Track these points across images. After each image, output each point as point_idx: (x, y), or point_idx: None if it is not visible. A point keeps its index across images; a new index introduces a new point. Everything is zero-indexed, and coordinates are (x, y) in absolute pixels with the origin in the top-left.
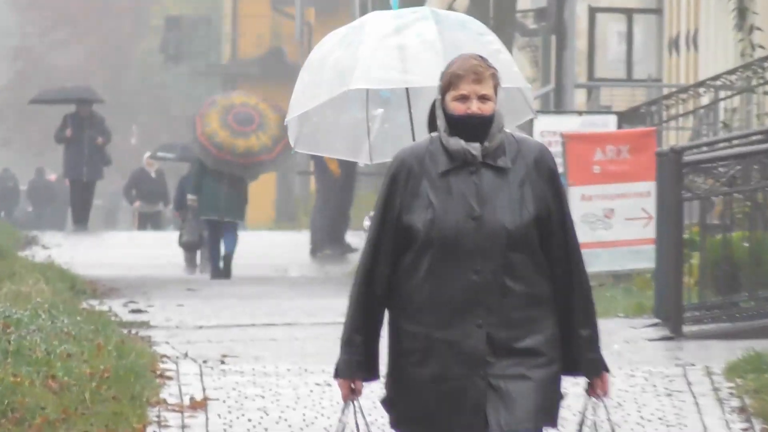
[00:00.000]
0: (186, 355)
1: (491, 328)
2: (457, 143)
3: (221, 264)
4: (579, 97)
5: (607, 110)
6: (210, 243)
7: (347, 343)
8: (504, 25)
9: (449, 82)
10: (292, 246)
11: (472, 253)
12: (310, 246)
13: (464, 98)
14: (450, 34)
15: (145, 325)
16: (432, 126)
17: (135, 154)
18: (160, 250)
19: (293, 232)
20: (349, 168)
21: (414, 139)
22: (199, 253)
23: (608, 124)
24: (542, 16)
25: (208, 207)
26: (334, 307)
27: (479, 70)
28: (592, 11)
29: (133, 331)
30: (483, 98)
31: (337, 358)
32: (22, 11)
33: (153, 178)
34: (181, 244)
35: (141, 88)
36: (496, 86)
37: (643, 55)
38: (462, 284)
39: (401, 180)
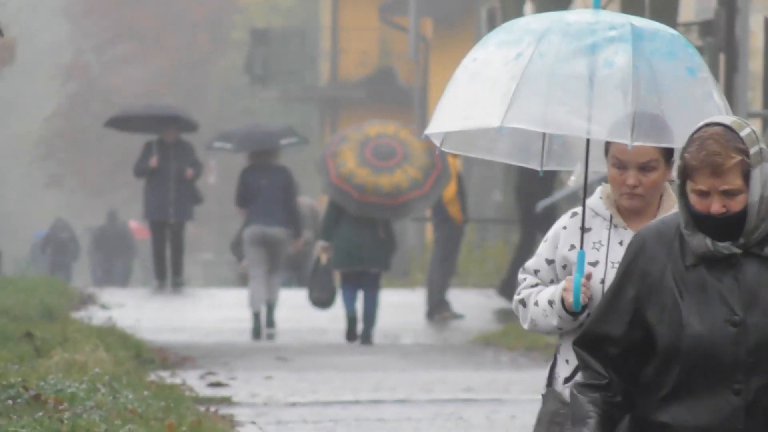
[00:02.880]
0: None
1: None
2: (701, 244)
3: (358, 325)
4: None
5: None
6: (347, 301)
7: None
8: None
9: (684, 171)
10: (404, 308)
11: (731, 368)
12: (426, 307)
13: (703, 194)
14: (651, 65)
15: (227, 401)
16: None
17: (214, 194)
18: (243, 310)
19: (406, 291)
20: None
21: (585, 179)
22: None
23: None
24: (709, 31)
25: (348, 256)
26: (455, 381)
27: (717, 162)
28: None
29: (212, 409)
30: (727, 194)
31: None
32: (75, 21)
33: None
34: (312, 300)
35: (221, 115)
36: (746, 172)
37: None
38: (718, 407)
39: (639, 266)
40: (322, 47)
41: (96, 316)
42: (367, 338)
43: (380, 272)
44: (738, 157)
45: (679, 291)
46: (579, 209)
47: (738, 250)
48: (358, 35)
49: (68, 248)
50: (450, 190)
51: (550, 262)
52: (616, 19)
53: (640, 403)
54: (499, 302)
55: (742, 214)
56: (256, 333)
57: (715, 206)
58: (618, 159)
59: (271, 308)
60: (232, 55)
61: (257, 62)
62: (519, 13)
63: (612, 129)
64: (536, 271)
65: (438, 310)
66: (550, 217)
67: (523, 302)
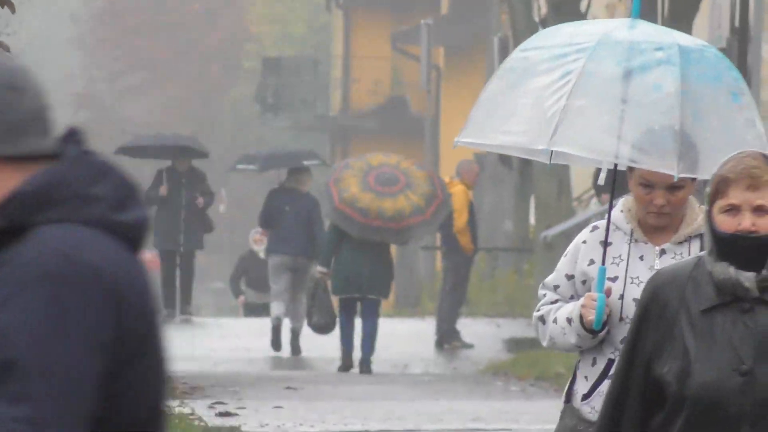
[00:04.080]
0: None
1: None
2: (724, 271)
3: (353, 355)
4: None
5: None
6: (344, 326)
7: None
8: None
9: (716, 188)
10: (413, 336)
11: (737, 419)
12: (435, 336)
13: (734, 209)
14: (697, 90)
15: (236, 430)
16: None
17: (225, 224)
18: (252, 340)
19: (415, 320)
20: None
21: (612, 193)
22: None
23: None
24: None
25: (347, 283)
26: (464, 411)
27: (755, 174)
28: None
29: None
30: (760, 210)
31: None
32: (88, 51)
33: (262, 260)
34: (311, 325)
35: (232, 144)
36: None
37: None
38: None
39: (653, 315)
40: (333, 76)
41: None
42: (365, 366)
43: (379, 299)
44: None
45: (688, 337)
46: (599, 223)
47: (756, 291)
48: (370, 64)
49: None
50: (461, 220)
51: (569, 277)
52: (663, 37)
53: None
54: (509, 331)
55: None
56: (276, 344)
57: (746, 222)
58: (646, 179)
59: (296, 335)
60: (244, 84)
61: (269, 91)
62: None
63: (660, 159)
64: (556, 287)
65: (448, 339)
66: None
67: (542, 319)
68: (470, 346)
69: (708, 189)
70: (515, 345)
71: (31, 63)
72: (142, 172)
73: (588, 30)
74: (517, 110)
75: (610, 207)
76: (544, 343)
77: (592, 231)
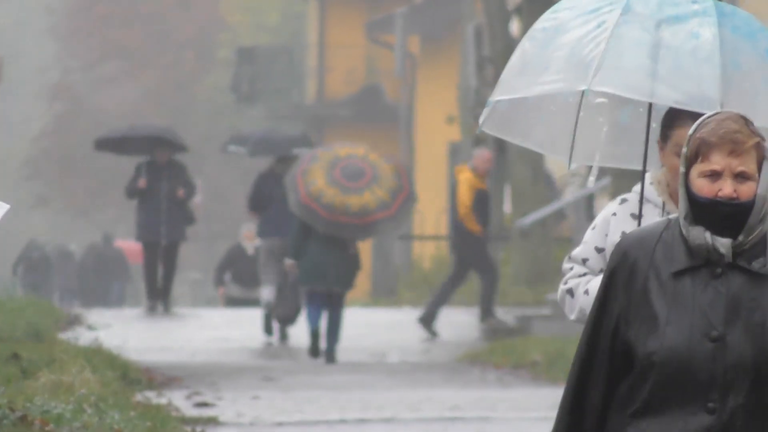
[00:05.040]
0: None
1: None
2: (699, 236)
3: (321, 344)
4: None
5: None
6: (311, 317)
7: None
8: None
9: (696, 150)
10: (390, 326)
11: (706, 386)
12: (421, 320)
13: (715, 175)
14: (732, 40)
15: (213, 421)
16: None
17: (202, 215)
18: (230, 330)
19: (392, 309)
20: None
21: (644, 163)
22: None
23: None
24: None
25: (313, 275)
26: (441, 399)
27: (737, 139)
28: None
29: (198, 429)
30: (741, 176)
31: None
32: (62, 41)
33: (251, 256)
34: (276, 316)
35: (207, 133)
36: (761, 160)
37: None
38: (690, 426)
39: (621, 279)
40: (308, 65)
41: (83, 336)
42: (330, 356)
43: (344, 292)
44: (756, 139)
45: (658, 301)
46: (628, 195)
47: (730, 256)
48: (344, 53)
49: (39, 267)
50: (463, 206)
51: (599, 250)
52: None
53: (610, 419)
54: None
55: (747, 206)
56: (268, 329)
57: (727, 189)
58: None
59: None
60: (219, 73)
61: (244, 81)
62: (505, 29)
63: (701, 101)
64: (584, 260)
65: (487, 318)
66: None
67: (570, 292)
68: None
69: (685, 150)
70: (492, 333)
71: (6, 54)
72: (120, 164)
73: None
74: (552, 63)
75: (643, 178)
76: (572, 316)
77: (621, 203)
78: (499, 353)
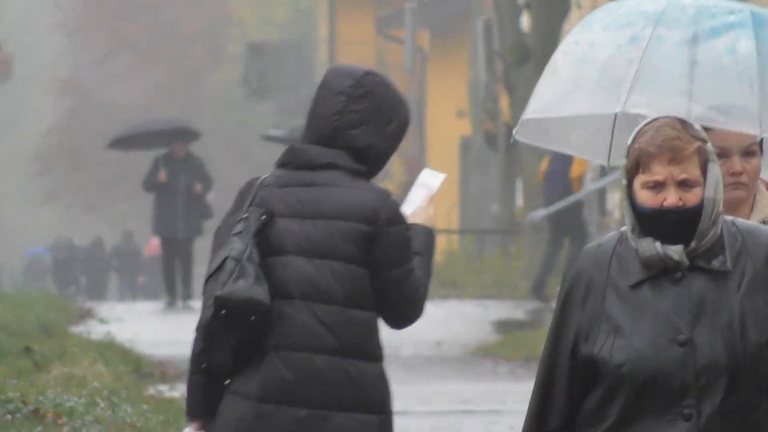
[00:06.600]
0: None
1: None
2: (649, 248)
3: None
4: None
5: None
6: None
7: None
8: None
9: (636, 161)
10: None
11: (680, 392)
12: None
13: (658, 186)
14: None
15: None
16: None
17: (214, 208)
18: None
19: None
20: None
21: None
22: None
23: None
24: None
25: None
26: (452, 393)
27: (677, 146)
28: None
29: None
30: (685, 184)
31: None
32: (72, 36)
33: None
34: None
35: (217, 128)
36: (705, 163)
37: None
38: None
39: (577, 298)
40: (318, 60)
41: (95, 330)
42: None
43: None
44: (697, 143)
45: (620, 313)
46: None
47: (686, 261)
48: (354, 49)
49: (69, 265)
50: (580, 167)
51: None
52: (733, 3)
53: None
54: (497, 313)
55: (695, 212)
56: None
57: (672, 198)
58: (719, 147)
59: None
60: (229, 68)
61: (253, 76)
62: (515, 24)
63: (740, 119)
64: None
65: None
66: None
67: None
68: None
69: (626, 162)
70: (503, 327)
71: (15, 49)
72: (129, 158)
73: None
74: (584, 81)
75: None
76: None
77: None
78: (511, 346)
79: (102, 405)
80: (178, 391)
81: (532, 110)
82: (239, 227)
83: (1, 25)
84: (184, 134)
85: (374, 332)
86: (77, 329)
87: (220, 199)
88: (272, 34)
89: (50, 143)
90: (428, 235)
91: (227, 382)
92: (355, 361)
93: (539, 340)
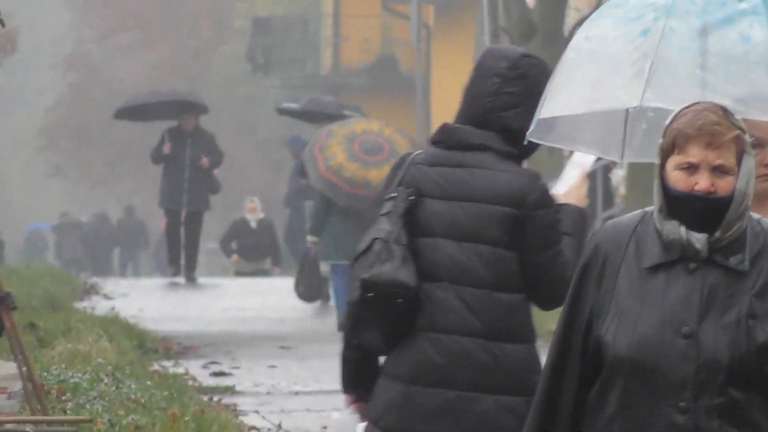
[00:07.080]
0: (280, 426)
1: None
2: (674, 230)
3: None
4: None
5: None
6: (339, 290)
7: None
8: None
9: (673, 142)
10: None
11: (679, 385)
12: None
13: (691, 168)
14: None
15: (230, 390)
16: None
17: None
18: (246, 300)
19: None
20: None
21: None
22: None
23: None
24: None
25: (336, 250)
26: None
27: (716, 131)
28: None
29: (215, 398)
30: (719, 170)
31: None
32: (76, 11)
33: (254, 229)
34: (299, 294)
35: (222, 103)
36: (741, 153)
37: None
38: (662, 427)
39: (593, 275)
40: (324, 35)
41: (99, 306)
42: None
43: None
44: (736, 132)
45: (629, 296)
46: None
47: (706, 252)
48: (360, 23)
49: (75, 242)
50: None
51: None
52: None
53: (583, 423)
54: None
55: (725, 202)
56: (326, 296)
57: (704, 183)
58: (752, 137)
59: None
60: (234, 43)
61: (259, 50)
62: (521, 0)
63: (757, 107)
64: None
65: None
66: None
67: None
68: None
69: (661, 141)
70: None
71: (20, 24)
72: (136, 133)
73: None
74: (598, 77)
75: None
76: None
77: None
78: None
79: (106, 381)
80: (182, 367)
81: (548, 110)
82: (387, 207)
83: (6, 0)
84: (193, 107)
85: (522, 314)
86: (81, 305)
87: (225, 174)
88: (278, 8)
89: (55, 118)
90: (579, 214)
91: (381, 361)
92: (501, 343)
93: (545, 317)
